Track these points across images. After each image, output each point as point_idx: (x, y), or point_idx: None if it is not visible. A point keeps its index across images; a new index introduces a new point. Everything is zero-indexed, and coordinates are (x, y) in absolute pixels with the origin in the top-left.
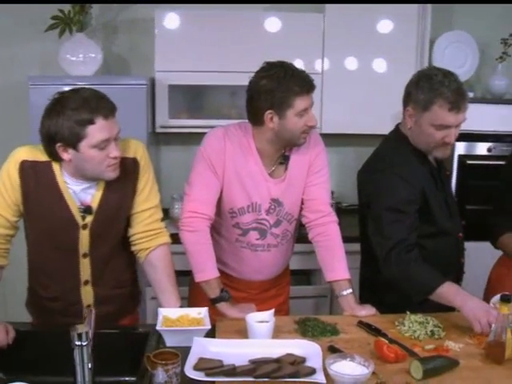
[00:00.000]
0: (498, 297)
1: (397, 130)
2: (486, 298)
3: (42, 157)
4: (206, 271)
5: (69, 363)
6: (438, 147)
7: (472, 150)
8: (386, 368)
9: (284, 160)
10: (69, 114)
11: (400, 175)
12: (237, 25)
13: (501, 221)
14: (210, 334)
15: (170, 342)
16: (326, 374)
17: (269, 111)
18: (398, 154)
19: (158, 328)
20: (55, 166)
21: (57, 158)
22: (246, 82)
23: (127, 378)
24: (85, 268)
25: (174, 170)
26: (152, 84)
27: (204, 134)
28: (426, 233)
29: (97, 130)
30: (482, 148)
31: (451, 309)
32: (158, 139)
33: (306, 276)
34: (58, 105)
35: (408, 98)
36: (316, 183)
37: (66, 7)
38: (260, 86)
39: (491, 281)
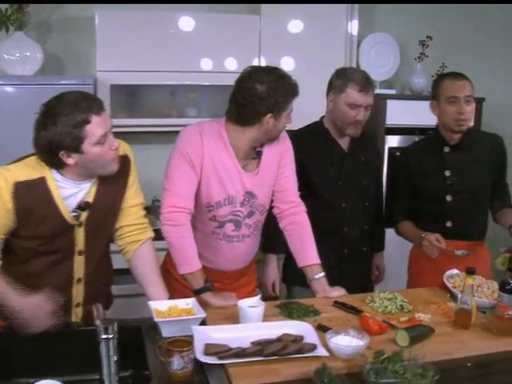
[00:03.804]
0: (450, 272)
1: (318, 120)
2: (410, 274)
3: (34, 173)
4: (191, 264)
5: (63, 364)
6: (351, 125)
7: (400, 142)
8: (372, 340)
9: (256, 155)
10: (64, 121)
11: None
12: (177, 25)
13: (396, 209)
14: (200, 322)
15: (166, 332)
16: (325, 349)
17: (269, 114)
18: (301, 133)
19: (156, 320)
20: (49, 181)
21: (59, 165)
22: (185, 81)
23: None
24: (79, 266)
25: None
26: (94, 84)
27: (144, 132)
28: (311, 205)
29: (94, 128)
30: (409, 141)
31: None
32: None
33: None
34: (50, 115)
35: (330, 87)
36: (286, 175)
37: (3, 5)
38: (262, 92)
39: (411, 260)
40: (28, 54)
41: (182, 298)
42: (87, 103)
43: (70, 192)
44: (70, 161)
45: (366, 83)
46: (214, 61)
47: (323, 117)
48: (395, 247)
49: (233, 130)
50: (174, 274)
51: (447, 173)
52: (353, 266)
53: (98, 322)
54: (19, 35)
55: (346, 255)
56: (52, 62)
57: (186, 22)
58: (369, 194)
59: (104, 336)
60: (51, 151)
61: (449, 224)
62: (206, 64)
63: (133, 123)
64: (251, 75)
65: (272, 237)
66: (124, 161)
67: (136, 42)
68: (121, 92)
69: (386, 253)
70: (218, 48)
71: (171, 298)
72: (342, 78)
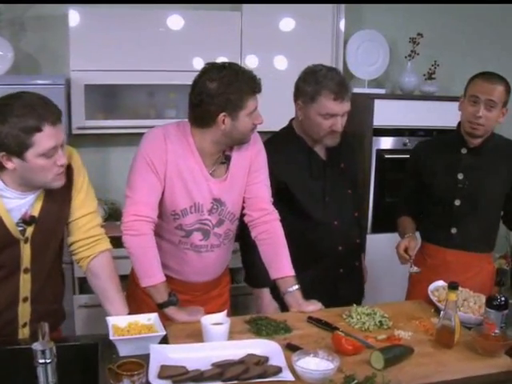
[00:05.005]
0: (435, 284)
1: (288, 125)
2: (411, 284)
3: None
4: (153, 276)
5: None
6: (327, 136)
7: (389, 144)
8: (345, 361)
9: (225, 160)
10: (14, 122)
11: None
12: (154, 23)
13: (399, 206)
14: (162, 339)
15: (123, 351)
16: (292, 371)
17: (222, 113)
18: (272, 142)
19: (111, 338)
20: None
21: None
22: (163, 81)
23: None
24: (25, 284)
25: (91, 173)
26: (67, 84)
27: (121, 134)
28: (299, 228)
29: (44, 138)
30: (398, 142)
31: None
32: (74, 141)
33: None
34: (1, 112)
35: (297, 93)
36: (258, 181)
37: None
38: (211, 90)
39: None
40: (1, 53)
41: (148, 310)
42: (44, 110)
43: (14, 203)
44: (10, 165)
45: (341, 89)
46: (194, 60)
47: (292, 119)
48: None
49: (196, 133)
50: (139, 285)
51: (460, 176)
52: (348, 284)
53: (34, 345)
54: None
55: (341, 274)
56: (26, 62)
57: (164, 20)
58: (356, 203)
59: (41, 360)
60: None
61: (454, 231)
62: (186, 63)
63: (109, 125)
64: (206, 73)
65: (260, 270)
66: (67, 171)
67: (111, 41)
68: (96, 92)
69: (385, 260)
70: (198, 46)
71: (138, 310)
72: (312, 84)
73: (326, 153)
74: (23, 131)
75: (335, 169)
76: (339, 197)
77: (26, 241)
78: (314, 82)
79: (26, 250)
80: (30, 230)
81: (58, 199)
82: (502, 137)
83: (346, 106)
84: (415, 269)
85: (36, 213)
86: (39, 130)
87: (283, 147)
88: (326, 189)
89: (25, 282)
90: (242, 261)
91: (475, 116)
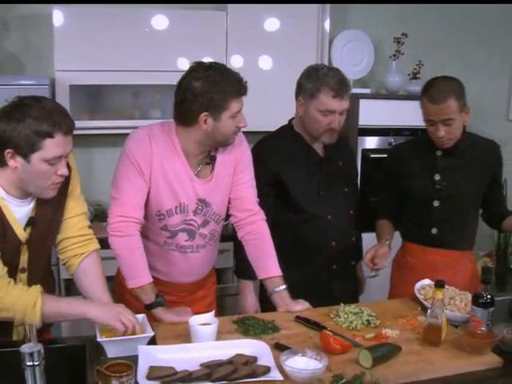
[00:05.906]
0: (421, 283)
1: (287, 124)
2: (393, 284)
3: None
4: (140, 277)
5: None
6: (325, 133)
7: (375, 144)
8: (333, 360)
9: (210, 160)
10: (29, 123)
11: (258, 156)
12: (138, 23)
13: (380, 206)
14: (150, 340)
15: (111, 352)
16: (281, 371)
17: (204, 113)
18: (270, 139)
19: (99, 339)
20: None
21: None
22: (148, 82)
23: None
24: (21, 283)
25: None
26: (51, 84)
27: (106, 135)
28: (293, 221)
29: (53, 145)
30: (383, 142)
31: None
32: None
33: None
34: (19, 111)
35: (299, 89)
36: (243, 182)
37: None
38: (195, 88)
39: (393, 269)
40: None
41: (136, 311)
42: (60, 118)
43: (21, 212)
44: (12, 163)
45: (341, 87)
46: (179, 60)
47: (292, 119)
48: None
49: (180, 133)
50: (126, 286)
51: (437, 177)
52: (342, 282)
53: (22, 348)
54: None
55: (334, 271)
56: (10, 62)
57: (149, 20)
58: (353, 202)
59: (29, 363)
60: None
61: (434, 231)
62: (171, 63)
63: (94, 125)
64: (192, 71)
65: (249, 264)
66: None
67: (96, 41)
68: (81, 92)
69: None
70: (183, 47)
71: None
72: (313, 81)
73: (323, 150)
74: (36, 134)
75: (332, 166)
76: (334, 193)
77: (25, 242)
78: (315, 79)
79: (24, 251)
80: (27, 232)
81: (53, 200)
82: (477, 136)
83: (344, 104)
84: (373, 273)
85: (33, 214)
86: (51, 136)
87: (281, 141)
88: (321, 184)
89: (21, 282)
90: (233, 253)
91: (437, 136)
